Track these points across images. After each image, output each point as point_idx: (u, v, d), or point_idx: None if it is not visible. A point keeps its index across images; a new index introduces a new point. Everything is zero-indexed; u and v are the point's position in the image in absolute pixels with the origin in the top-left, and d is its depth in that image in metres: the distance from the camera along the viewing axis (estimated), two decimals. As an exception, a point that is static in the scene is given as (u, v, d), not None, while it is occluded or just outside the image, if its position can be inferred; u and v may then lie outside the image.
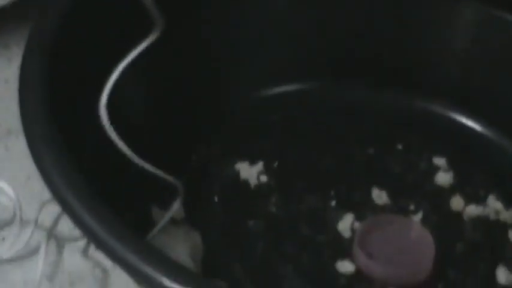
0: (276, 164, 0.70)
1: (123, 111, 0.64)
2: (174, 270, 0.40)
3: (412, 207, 0.67)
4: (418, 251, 0.62)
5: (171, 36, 0.52)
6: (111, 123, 0.54)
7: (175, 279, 0.39)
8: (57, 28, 0.57)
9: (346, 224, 0.65)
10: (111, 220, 0.43)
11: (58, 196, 0.46)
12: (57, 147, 0.49)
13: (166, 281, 0.39)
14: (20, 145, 0.59)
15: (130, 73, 0.54)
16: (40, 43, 0.56)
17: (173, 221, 0.63)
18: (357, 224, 0.65)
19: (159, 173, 0.57)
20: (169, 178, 0.58)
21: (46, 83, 0.53)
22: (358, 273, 0.61)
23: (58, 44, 0.56)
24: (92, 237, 0.43)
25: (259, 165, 0.70)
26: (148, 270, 0.40)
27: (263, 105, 0.76)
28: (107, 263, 0.61)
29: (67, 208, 0.45)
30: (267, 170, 0.70)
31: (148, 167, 0.56)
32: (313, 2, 0.75)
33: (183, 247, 0.60)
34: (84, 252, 0.63)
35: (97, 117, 0.51)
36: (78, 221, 0.44)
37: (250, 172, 0.69)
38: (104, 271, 0.62)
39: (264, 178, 0.69)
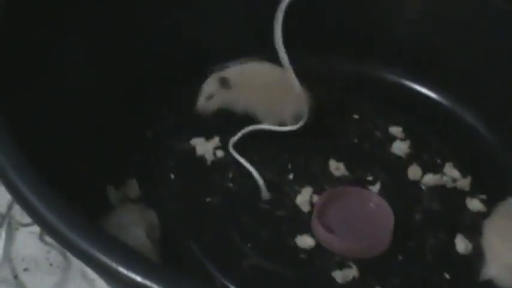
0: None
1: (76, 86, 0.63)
2: (130, 258, 0.39)
3: (369, 178, 0.67)
4: (377, 222, 0.62)
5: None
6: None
7: (132, 268, 0.38)
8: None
9: (304, 197, 0.64)
10: (62, 206, 0.42)
11: (8, 184, 0.44)
12: (5, 132, 0.47)
13: (122, 270, 0.38)
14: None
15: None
16: None
17: (129, 200, 0.62)
18: (315, 197, 0.64)
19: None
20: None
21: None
22: (318, 247, 0.61)
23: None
24: (43, 225, 0.42)
25: (215, 140, 0.69)
26: (103, 258, 0.38)
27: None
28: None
29: (17, 196, 0.43)
30: (223, 145, 0.69)
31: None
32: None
33: (139, 227, 0.59)
34: (40, 236, 0.61)
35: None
36: (27, 208, 0.43)
37: (206, 147, 0.68)
38: (63, 256, 0.61)
39: (220, 153, 0.68)
